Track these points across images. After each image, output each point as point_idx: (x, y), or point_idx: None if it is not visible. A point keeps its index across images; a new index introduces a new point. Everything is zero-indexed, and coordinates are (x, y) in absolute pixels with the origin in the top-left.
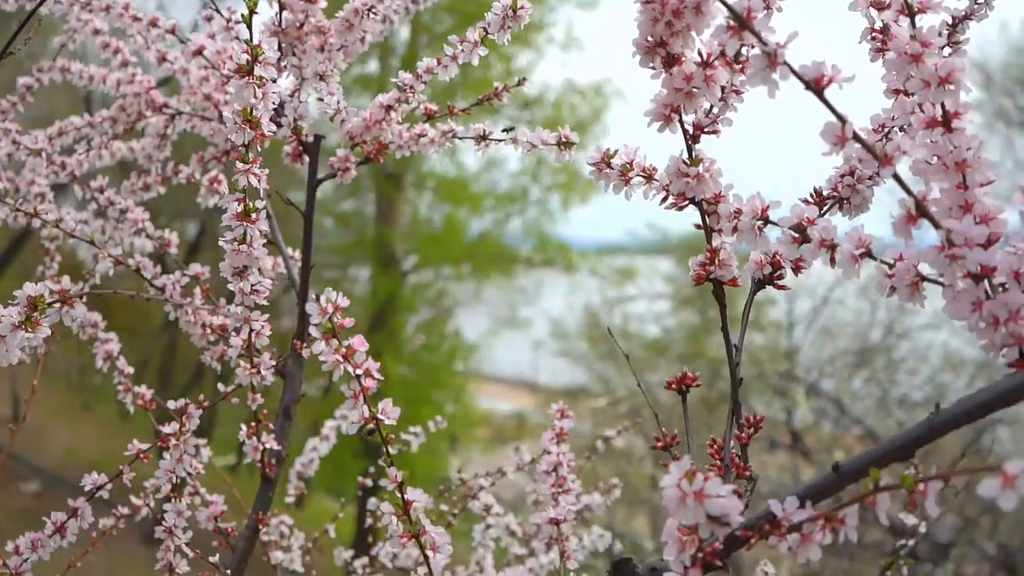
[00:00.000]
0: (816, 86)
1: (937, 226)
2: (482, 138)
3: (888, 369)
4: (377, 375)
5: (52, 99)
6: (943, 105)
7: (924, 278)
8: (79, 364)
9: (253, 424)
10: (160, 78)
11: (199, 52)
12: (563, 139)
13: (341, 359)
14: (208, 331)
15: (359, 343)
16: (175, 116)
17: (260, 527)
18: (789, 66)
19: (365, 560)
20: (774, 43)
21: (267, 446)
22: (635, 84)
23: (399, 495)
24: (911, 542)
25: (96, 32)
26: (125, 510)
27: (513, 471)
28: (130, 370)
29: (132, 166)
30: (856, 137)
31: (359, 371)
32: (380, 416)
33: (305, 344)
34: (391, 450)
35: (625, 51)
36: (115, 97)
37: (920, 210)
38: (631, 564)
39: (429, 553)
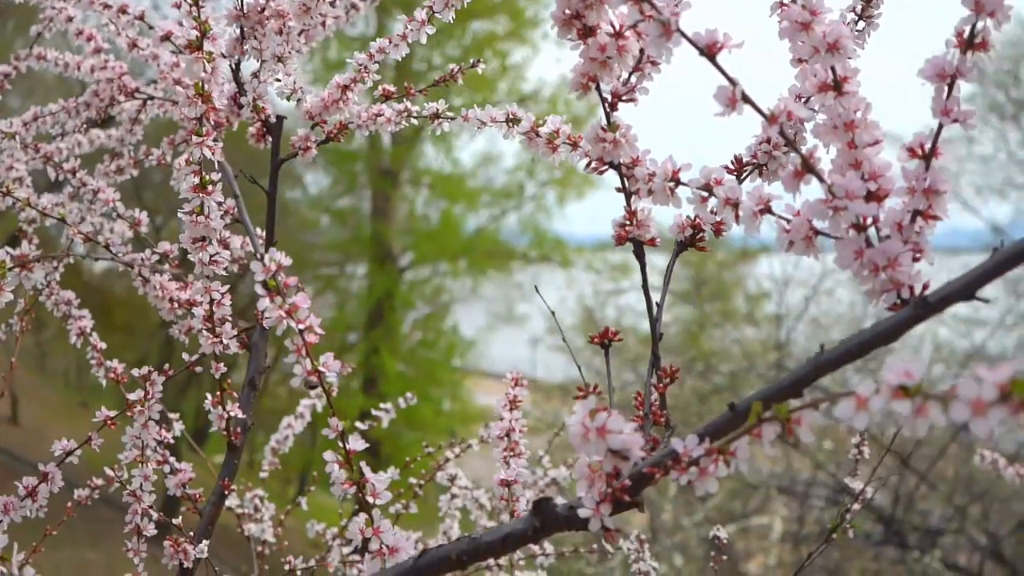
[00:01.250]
0: (709, 52)
1: (822, 180)
2: (435, 116)
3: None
4: (319, 330)
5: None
6: (833, 70)
7: (817, 231)
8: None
9: (218, 393)
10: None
11: (167, 38)
12: (511, 116)
13: (284, 315)
14: (175, 305)
15: (302, 300)
16: (147, 101)
17: (226, 492)
18: (683, 33)
19: (335, 530)
20: (669, 12)
21: (232, 415)
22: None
23: (341, 444)
24: (856, 506)
25: (70, 20)
26: (100, 481)
27: (478, 444)
28: (102, 345)
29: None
30: (745, 98)
31: (302, 326)
32: (322, 369)
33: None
34: (330, 400)
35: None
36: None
37: (807, 166)
38: (551, 503)
39: (370, 499)
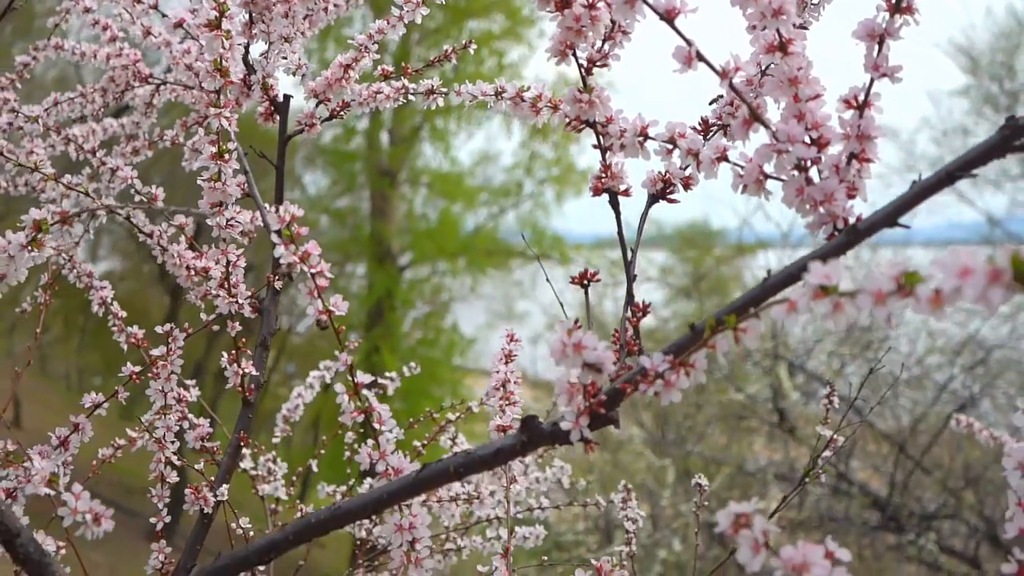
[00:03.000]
0: (668, 16)
1: (767, 127)
2: (430, 92)
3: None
4: (328, 275)
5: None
6: (779, 32)
7: (766, 175)
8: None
9: (234, 352)
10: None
11: (179, 24)
12: (499, 90)
13: (298, 260)
14: (192, 273)
15: (313, 247)
16: (160, 86)
17: (241, 445)
18: (647, 2)
19: (344, 488)
20: None
21: (247, 372)
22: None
23: (350, 377)
24: (827, 453)
25: (87, 10)
26: (122, 441)
27: (477, 406)
28: (123, 314)
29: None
30: (700, 57)
31: (314, 270)
32: (332, 308)
33: (279, 279)
34: (338, 336)
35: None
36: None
37: (754, 115)
38: (536, 419)
39: (376, 426)
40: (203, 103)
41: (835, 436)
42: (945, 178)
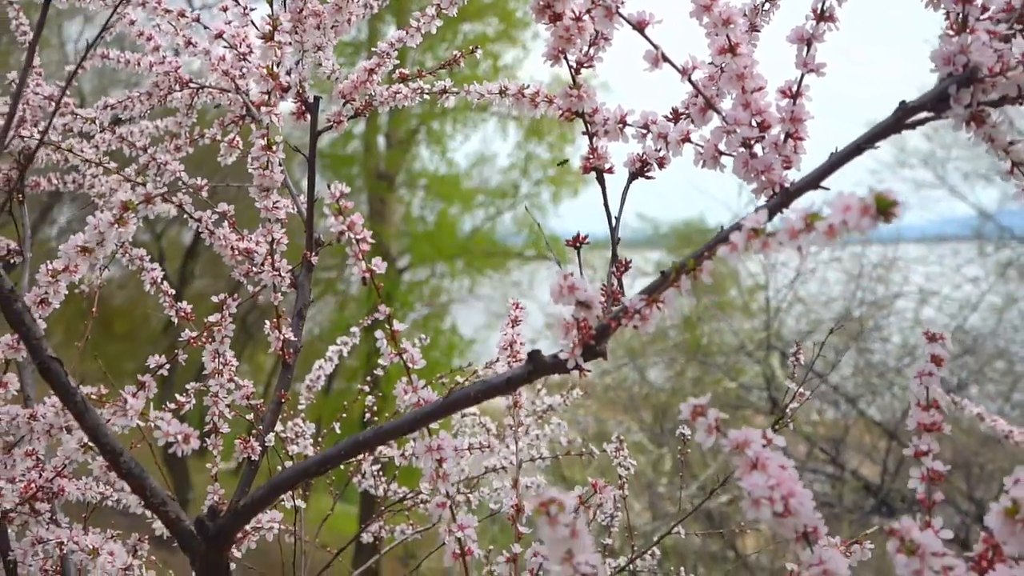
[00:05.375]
0: (640, 27)
1: (719, 113)
2: (443, 91)
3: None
4: (370, 240)
5: None
6: (728, 38)
7: (721, 152)
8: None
9: (275, 320)
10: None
11: (219, 35)
12: (503, 88)
13: (346, 228)
14: (236, 252)
15: (357, 219)
16: (199, 90)
17: (282, 400)
18: (622, 15)
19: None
20: (611, 0)
21: (287, 337)
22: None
23: (388, 326)
24: (795, 405)
25: (132, 23)
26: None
27: (482, 369)
28: (172, 291)
29: None
30: (664, 58)
31: (359, 236)
32: (373, 267)
33: (315, 254)
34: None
35: (612, 46)
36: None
37: (708, 104)
38: (540, 352)
39: (410, 364)
40: (238, 104)
41: (800, 390)
42: (855, 150)
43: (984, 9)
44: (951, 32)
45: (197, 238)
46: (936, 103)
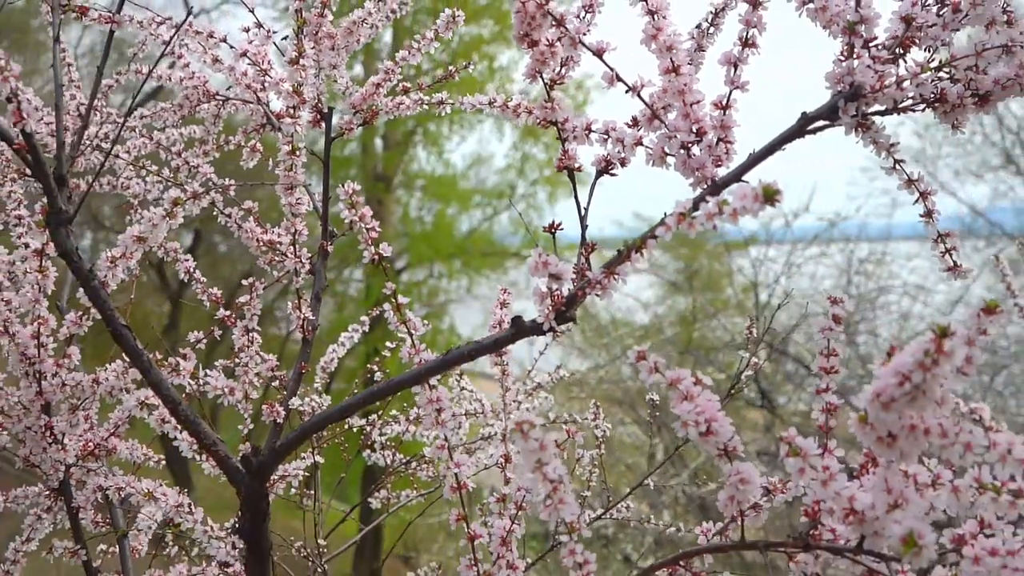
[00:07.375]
0: (598, 52)
1: (662, 122)
2: (441, 102)
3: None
4: (377, 229)
5: None
6: (671, 60)
7: (666, 153)
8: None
9: (296, 300)
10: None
11: (244, 54)
12: (492, 100)
13: (358, 219)
14: (260, 243)
15: (368, 211)
16: (225, 101)
17: (303, 372)
18: (583, 43)
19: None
20: (575, 30)
21: (307, 316)
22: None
23: (394, 300)
24: (748, 372)
25: (165, 44)
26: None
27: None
28: (204, 280)
29: None
30: (618, 78)
31: (368, 226)
32: (381, 251)
33: (330, 244)
34: (386, 271)
35: (612, 50)
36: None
37: (654, 115)
38: (521, 318)
39: (413, 331)
40: (259, 114)
41: (753, 358)
42: (768, 150)
43: (869, 41)
44: (841, 58)
45: (196, 241)
46: (829, 113)
